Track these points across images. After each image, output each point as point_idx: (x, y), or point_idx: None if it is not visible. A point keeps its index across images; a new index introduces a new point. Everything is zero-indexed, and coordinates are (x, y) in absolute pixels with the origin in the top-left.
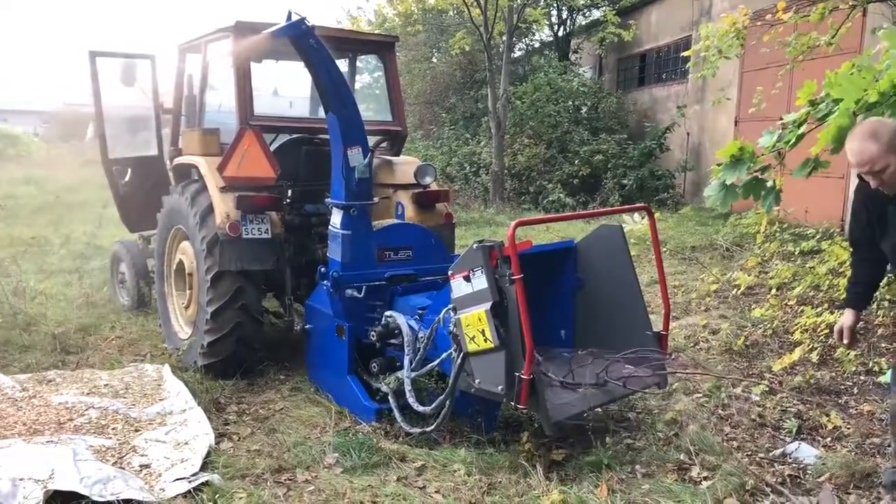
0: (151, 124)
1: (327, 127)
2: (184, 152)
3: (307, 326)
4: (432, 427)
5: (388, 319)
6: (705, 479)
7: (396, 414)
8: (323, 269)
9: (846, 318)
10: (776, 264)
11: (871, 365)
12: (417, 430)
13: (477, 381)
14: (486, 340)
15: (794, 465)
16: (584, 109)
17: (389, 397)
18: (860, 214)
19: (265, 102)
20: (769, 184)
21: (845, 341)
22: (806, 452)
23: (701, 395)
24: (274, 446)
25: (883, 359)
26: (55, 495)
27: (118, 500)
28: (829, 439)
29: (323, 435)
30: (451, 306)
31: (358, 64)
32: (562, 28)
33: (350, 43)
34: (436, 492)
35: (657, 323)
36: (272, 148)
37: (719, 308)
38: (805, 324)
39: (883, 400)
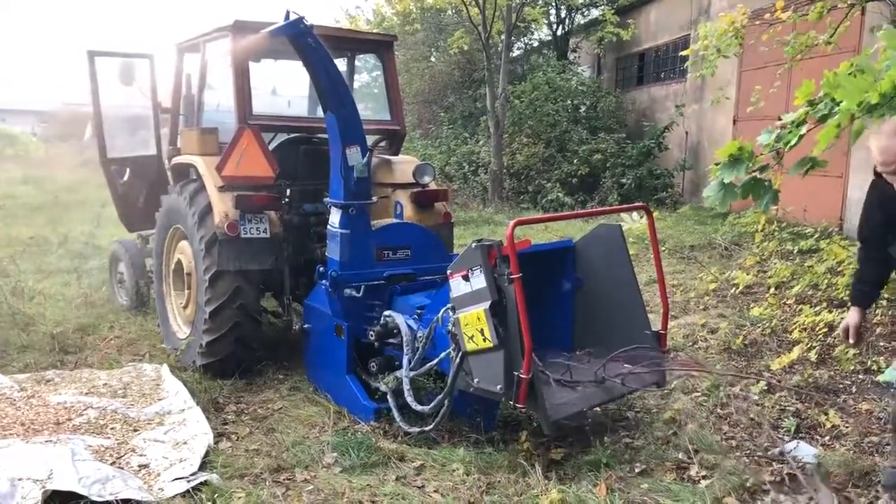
0: (150, 124)
1: (326, 126)
2: (182, 152)
3: (306, 326)
4: (431, 426)
5: (387, 319)
6: (704, 477)
7: (395, 413)
8: (322, 269)
9: (852, 316)
10: (775, 263)
11: (869, 364)
12: (416, 429)
13: (476, 380)
14: (484, 340)
15: (792, 463)
16: (583, 109)
17: (388, 397)
18: (873, 214)
19: (264, 102)
20: (767, 183)
21: (851, 340)
22: (805, 451)
23: (700, 393)
24: (272, 446)
25: (881, 357)
26: (54, 495)
27: (117, 500)
28: (827, 438)
29: (322, 434)
30: (449, 305)
31: (356, 63)
32: (560, 27)
33: (348, 42)
34: (434, 491)
35: (656, 322)
36: (271, 147)
37: (718, 307)
38: (804, 323)
39: (881, 399)
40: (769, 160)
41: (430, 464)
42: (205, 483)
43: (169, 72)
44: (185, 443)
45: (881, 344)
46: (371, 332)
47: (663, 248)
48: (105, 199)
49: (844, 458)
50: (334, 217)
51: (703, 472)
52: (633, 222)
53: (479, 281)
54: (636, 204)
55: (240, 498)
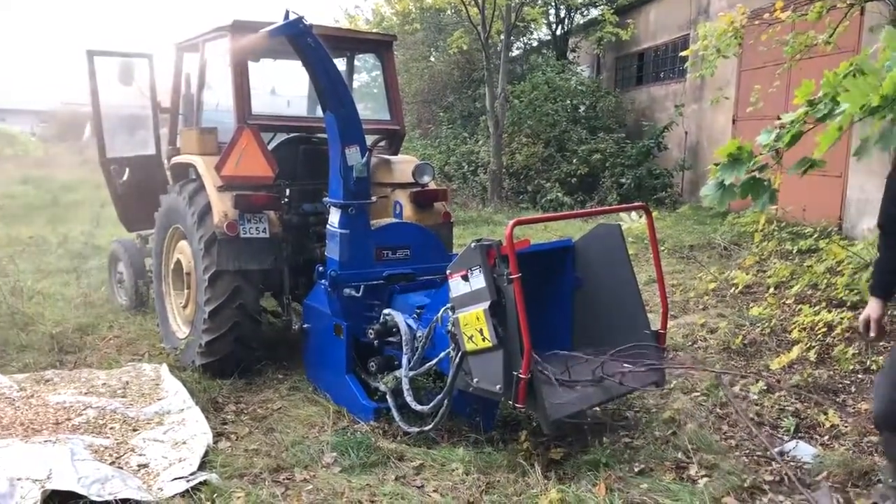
0: (149, 123)
1: (325, 126)
2: (181, 151)
3: (305, 326)
4: (430, 426)
5: (387, 318)
6: (703, 477)
7: (394, 413)
8: (321, 269)
9: (873, 308)
10: (774, 263)
11: (868, 363)
12: (415, 429)
13: (475, 380)
14: (484, 339)
15: (792, 463)
16: (582, 108)
17: (387, 396)
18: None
19: (263, 101)
20: (766, 183)
21: (873, 334)
22: (804, 451)
23: (699, 393)
24: (272, 445)
25: (881, 357)
26: (53, 495)
27: (116, 500)
28: (826, 437)
29: (321, 434)
30: (449, 305)
31: (356, 63)
32: (560, 27)
33: (348, 42)
34: (434, 491)
35: (655, 322)
36: (270, 147)
37: (717, 307)
38: (803, 322)
39: None
40: (768, 160)
41: (429, 463)
42: (204, 483)
43: (168, 71)
44: (184, 442)
45: (881, 343)
46: (370, 332)
47: (662, 248)
48: (104, 198)
49: (844, 457)
50: (334, 217)
51: (703, 472)
52: (632, 222)
53: (478, 281)
54: (635, 204)
55: (239, 498)
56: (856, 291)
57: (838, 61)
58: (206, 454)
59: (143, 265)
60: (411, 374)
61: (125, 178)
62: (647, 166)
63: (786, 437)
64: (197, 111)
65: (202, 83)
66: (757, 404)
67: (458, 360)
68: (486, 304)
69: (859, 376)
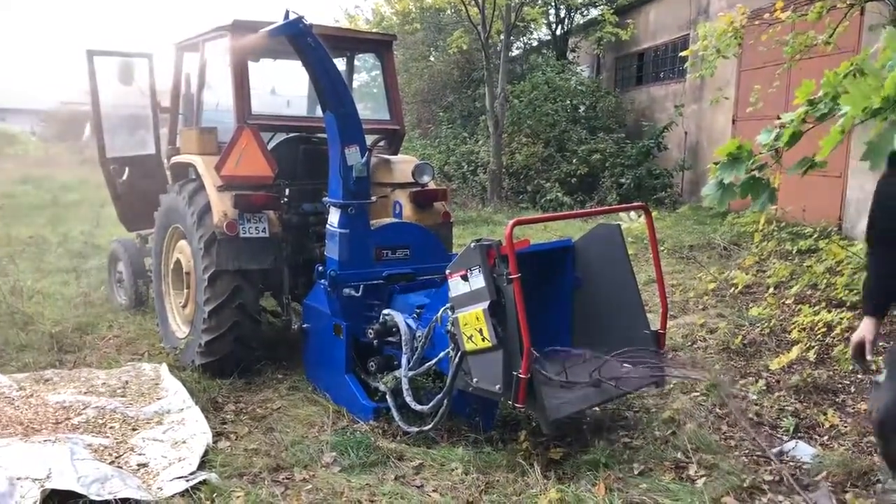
0: (149, 123)
1: (325, 126)
2: (181, 151)
3: (305, 325)
4: (430, 426)
5: (386, 318)
6: (702, 477)
7: (394, 413)
8: (321, 268)
9: (868, 329)
10: (774, 263)
11: (868, 363)
12: (415, 429)
13: (475, 380)
14: (483, 339)
15: (791, 463)
16: (582, 108)
17: (387, 396)
18: (886, 212)
19: (263, 101)
20: (766, 182)
21: (869, 357)
22: (803, 451)
23: (698, 393)
24: (271, 445)
25: (880, 357)
26: (52, 494)
27: (116, 500)
28: (826, 438)
29: (321, 434)
30: (448, 305)
31: (356, 63)
32: (559, 27)
33: (348, 42)
34: (433, 490)
35: (655, 322)
36: (270, 147)
37: (717, 307)
38: (803, 322)
39: None
40: (768, 159)
41: (428, 463)
42: (204, 482)
43: (168, 71)
44: (183, 442)
45: (880, 344)
46: (370, 332)
47: (662, 248)
48: (104, 198)
49: (843, 457)
50: (333, 216)
51: (702, 472)
52: (631, 222)
53: (477, 281)
54: (635, 204)
55: (238, 497)
56: (855, 291)
57: (838, 61)
58: (205, 454)
59: (142, 265)
60: (411, 373)
61: (125, 177)
62: (646, 166)
63: (785, 437)
64: (197, 111)
65: (202, 83)
66: (756, 404)
67: (457, 359)
68: (486, 304)
69: (859, 376)
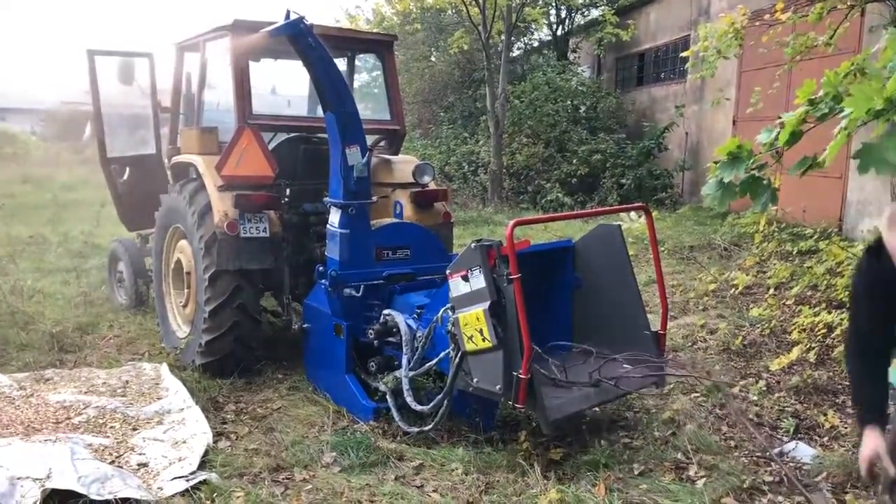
0: (150, 123)
1: (325, 126)
2: (182, 151)
3: (305, 325)
4: (430, 426)
5: (387, 318)
6: (703, 478)
7: (394, 413)
8: (321, 268)
9: (875, 441)
10: (774, 264)
11: None
12: (415, 429)
13: (475, 380)
14: (483, 340)
15: (791, 464)
16: (583, 109)
17: (387, 396)
18: (873, 301)
19: (263, 101)
20: (765, 182)
21: (892, 471)
22: (803, 452)
23: (699, 394)
24: (272, 445)
25: None
26: (53, 494)
27: (116, 499)
28: (826, 439)
29: (321, 434)
30: (449, 305)
31: (356, 63)
32: (560, 27)
33: (348, 42)
34: (433, 491)
35: (655, 322)
36: (270, 147)
37: (717, 308)
38: (803, 323)
39: None
40: (768, 159)
41: (429, 463)
42: (204, 482)
43: (169, 71)
44: (184, 442)
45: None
46: (370, 332)
47: (663, 249)
48: (104, 198)
49: (843, 458)
50: (334, 217)
51: (702, 473)
52: (632, 222)
53: (478, 281)
54: (636, 204)
55: (239, 497)
56: None
57: (839, 63)
58: (205, 453)
59: (143, 264)
60: (411, 374)
61: (125, 177)
62: (647, 167)
63: (785, 438)
64: (197, 111)
65: (203, 83)
66: (757, 405)
67: (457, 360)
68: (486, 305)
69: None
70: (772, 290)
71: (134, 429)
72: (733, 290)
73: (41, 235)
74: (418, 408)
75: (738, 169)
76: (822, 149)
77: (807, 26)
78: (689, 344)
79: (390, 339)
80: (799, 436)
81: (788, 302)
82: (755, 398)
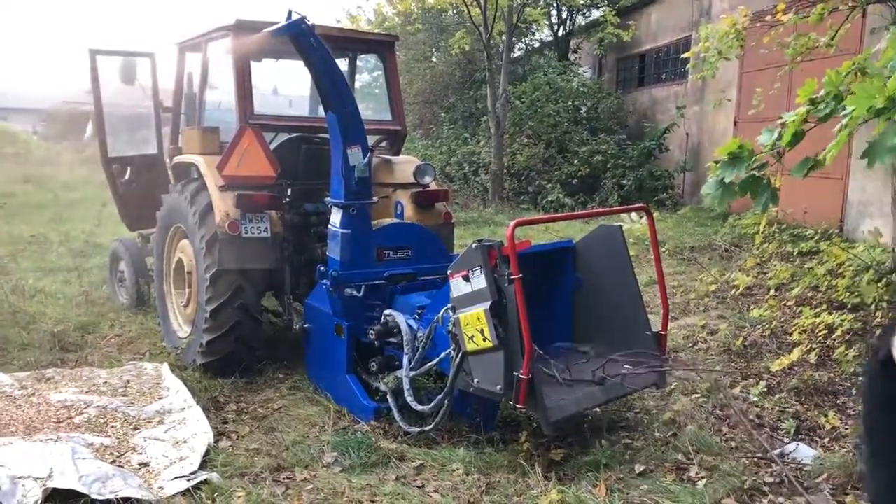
0: (151, 123)
1: (327, 126)
2: (183, 151)
3: (306, 325)
4: (431, 426)
5: (388, 318)
6: (703, 479)
7: (395, 413)
8: (322, 268)
9: None
10: (775, 265)
11: None
12: (416, 429)
13: (476, 380)
14: (484, 340)
15: (792, 465)
16: (584, 109)
17: (388, 396)
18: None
19: (265, 101)
20: (766, 182)
21: None
22: (804, 453)
23: (699, 395)
24: (273, 445)
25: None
26: (54, 493)
27: (117, 499)
28: (827, 440)
29: (322, 434)
30: (449, 305)
31: (358, 63)
32: (561, 28)
33: (350, 42)
34: (434, 491)
35: (656, 323)
36: (272, 147)
37: (718, 308)
38: (803, 324)
39: None
40: (769, 159)
41: (429, 464)
42: (205, 482)
43: (170, 71)
44: (185, 441)
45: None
46: (371, 332)
47: (663, 250)
48: (106, 197)
49: (844, 459)
50: (335, 217)
51: (703, 473)
52: (633, 223)
53: (479, 281)
54: (636, 205)
55: (240, 497)
56: (856, 294)
57: (840, 64)
58: (206, 453)
59: (144, 264)
60: (412, 374)
61: (127, 177)
62: (648, 168)
63: (786, 439)
64: (199, 110)
65: (204, 83)
66: (757, 406)
67: (458, 360)
68: (487, 305)
69: (860, 378)
70: (772, 291)
71: (135, 428)
72: (734, 290)
73: (42, 235)
74: (419, 408)
75: (739, 169)
76: (822, 149)
77: (808, 27)
78: (690, 345)
79: (391, 339)
80: (799, 437)
81: (789, 303)
82: (756, 399)
